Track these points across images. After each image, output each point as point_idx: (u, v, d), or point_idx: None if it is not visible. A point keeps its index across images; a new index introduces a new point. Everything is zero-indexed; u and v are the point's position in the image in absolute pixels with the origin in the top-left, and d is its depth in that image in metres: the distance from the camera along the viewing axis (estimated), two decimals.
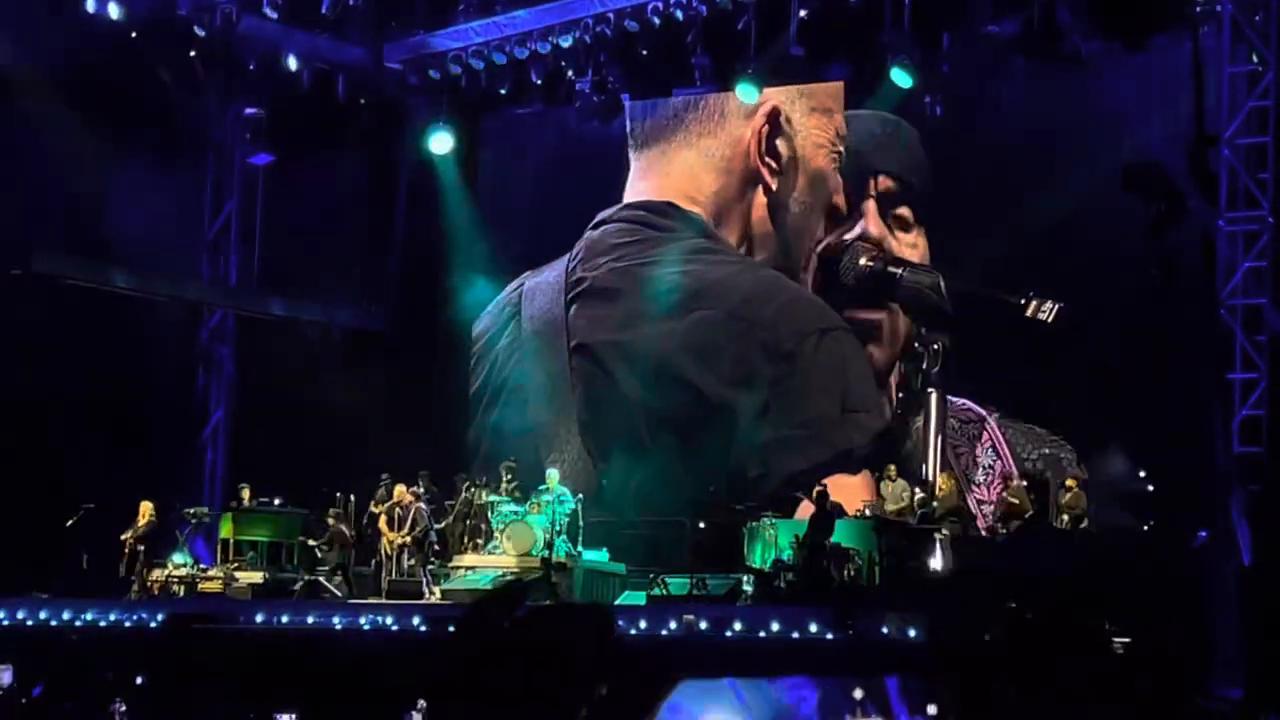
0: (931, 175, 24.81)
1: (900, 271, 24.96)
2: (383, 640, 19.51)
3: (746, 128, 26.05)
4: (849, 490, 22.59)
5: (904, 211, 25.20)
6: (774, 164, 25.90)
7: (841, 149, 25.42)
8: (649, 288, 26.23)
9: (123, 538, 22.47)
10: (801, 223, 25.70)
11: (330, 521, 22.68)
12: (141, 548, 22.56)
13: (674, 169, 26.74)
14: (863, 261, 25.18)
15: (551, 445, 26.12)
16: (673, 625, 18.15)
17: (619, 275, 26.60)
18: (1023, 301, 23.68)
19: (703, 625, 18.10)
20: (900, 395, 24.77)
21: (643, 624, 18.29)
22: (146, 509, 22.74)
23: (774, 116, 25.73)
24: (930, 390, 24.30)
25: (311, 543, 23.07)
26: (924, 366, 24.39)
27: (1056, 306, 23.50)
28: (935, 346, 24.31)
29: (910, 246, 25.07)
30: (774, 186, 25.89)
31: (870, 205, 25.25)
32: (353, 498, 23.35)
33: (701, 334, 25.64)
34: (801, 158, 25.74)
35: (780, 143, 25.86)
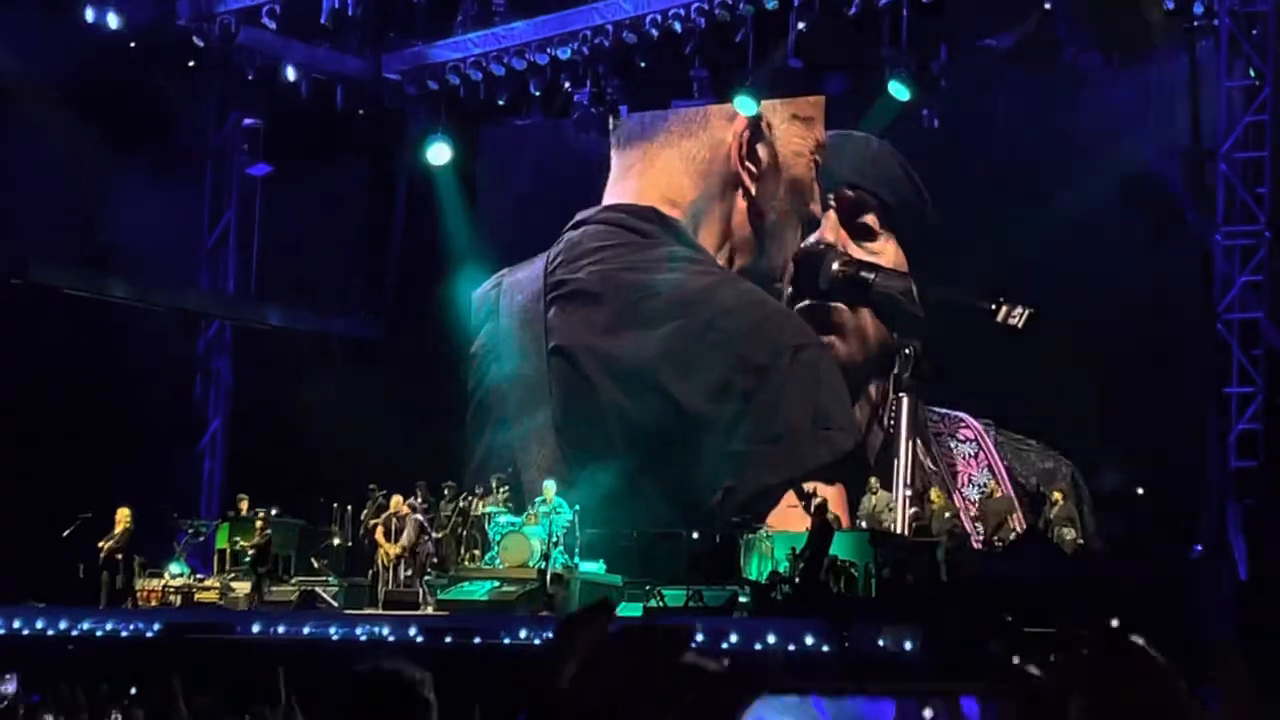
0: (912, 187, 24.79)
1: (872, 277, 25.00)
2: (379, 651, 19.48)
3: (728, 131, 26.07)
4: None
5: (869, 219, 25.24)
6: (754, 169, 25.94)
7: (819, 158, 25.48)
8: (629, 294, 26.22)
9: (99, 545, 22.24)
10: (779, 229, 25.77)
11: (258, 524, 22.67)
12: (119, 556, 22.41)
13: (655, 170, 26.73)
14: (835, 267, 25.21)
15: (528, 448, 26.09)
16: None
17: (600, 279, 26.56)
18: (993, 307, 23.69)
19: (699, 638, 18.09)
20: (879, 407, 24.75)
21: None
22: (123, 515, 22.38)
23: (755, 122, 25.75)
24: (901, 395, 24.31)
25: (240, 544, 22.98)
26: (895, 371, 24.41)
27: (1027, 312, 23.51)
28: (907, 351, 24.31)
29: (878, 253, 25.11)
30: (753, 191, 25.93)
31: (830, 214, 25.32)
32: (350, 508, 23.36)
33: (680, 344, 25.61)
34: (781, 164, 25.80)
35: (760, 148, 25.91)
